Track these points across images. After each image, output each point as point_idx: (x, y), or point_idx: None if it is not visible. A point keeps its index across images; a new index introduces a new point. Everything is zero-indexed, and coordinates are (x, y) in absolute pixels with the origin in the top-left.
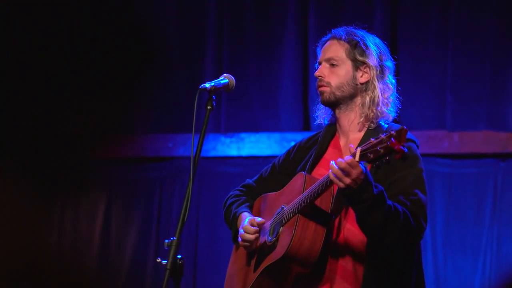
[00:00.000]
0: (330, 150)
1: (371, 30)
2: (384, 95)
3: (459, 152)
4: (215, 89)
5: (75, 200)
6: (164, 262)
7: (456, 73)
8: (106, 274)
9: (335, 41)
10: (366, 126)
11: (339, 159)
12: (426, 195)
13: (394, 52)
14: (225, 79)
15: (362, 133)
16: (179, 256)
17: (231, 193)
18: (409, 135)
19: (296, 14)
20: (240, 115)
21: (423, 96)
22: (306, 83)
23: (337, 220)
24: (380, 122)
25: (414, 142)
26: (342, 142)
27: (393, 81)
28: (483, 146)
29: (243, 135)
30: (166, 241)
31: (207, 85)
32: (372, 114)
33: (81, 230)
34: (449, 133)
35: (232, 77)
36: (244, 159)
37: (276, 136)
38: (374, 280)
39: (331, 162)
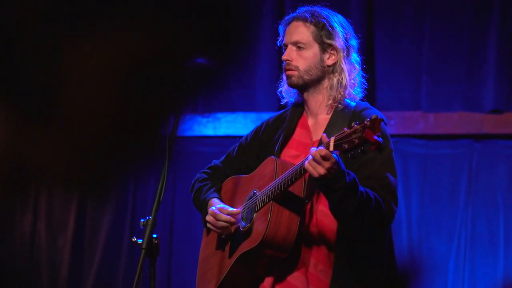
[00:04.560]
0: (298, 130)
1: (347, 9)
2: (351, 76)
3: (434, 133)
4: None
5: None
6: (139, 241)
7: (432, 53)
8: (80, 253)
9: (300, 23)
10: (334, 107)
11: (313, 149)
12: (395, 177)
13: (370, 31)
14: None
15: (330, 114)
16: (154, 236)
17: (197, 175)
18: (375, 111)
19: None
20: (216, 95)
21: (399, 77)
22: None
23: (309, 203)
24: (347, 101)
25: (381, 120)
26: (310, 122)
27: (358, 59)
28: (459, 127)
29: (219, 115)
30: (142, 220)
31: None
32: (340, 96)
33: (56, 210)
34: (424, 114)
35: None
36: (220, 138)
37: (252, 116)
38: (345, 262)
39: (311, 149)
